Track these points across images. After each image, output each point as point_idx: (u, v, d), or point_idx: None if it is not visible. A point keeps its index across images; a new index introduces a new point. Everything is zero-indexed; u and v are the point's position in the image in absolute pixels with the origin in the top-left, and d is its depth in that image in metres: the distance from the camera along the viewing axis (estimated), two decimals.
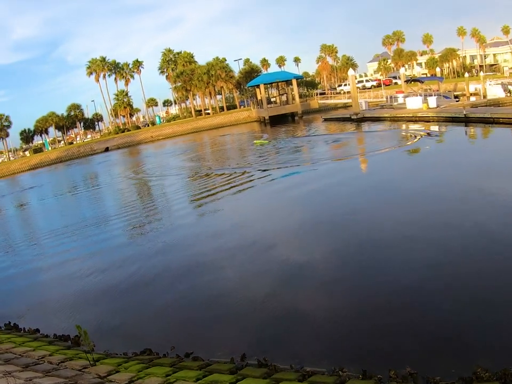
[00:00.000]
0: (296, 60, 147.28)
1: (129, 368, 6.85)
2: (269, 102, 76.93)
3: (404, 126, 36.85)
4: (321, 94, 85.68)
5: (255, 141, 43.74)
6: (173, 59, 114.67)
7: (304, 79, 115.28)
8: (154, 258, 14.16)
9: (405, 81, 59.69)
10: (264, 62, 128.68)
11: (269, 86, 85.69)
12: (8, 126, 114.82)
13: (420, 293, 8.75)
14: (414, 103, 42.38)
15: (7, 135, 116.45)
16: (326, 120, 53.28)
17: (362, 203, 15.97)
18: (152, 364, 7.16)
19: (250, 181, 23.77)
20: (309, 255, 11.98)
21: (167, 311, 10.28)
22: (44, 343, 8.84)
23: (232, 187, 22.85)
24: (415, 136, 29.71)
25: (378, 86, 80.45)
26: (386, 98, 54.37)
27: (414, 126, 35.44)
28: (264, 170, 25.69)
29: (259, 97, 76.09)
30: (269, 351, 7.28)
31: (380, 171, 21.13)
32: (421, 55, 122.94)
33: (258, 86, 75.75)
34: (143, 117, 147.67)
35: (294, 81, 73.64)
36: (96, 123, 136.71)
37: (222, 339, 8.41)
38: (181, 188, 26.74)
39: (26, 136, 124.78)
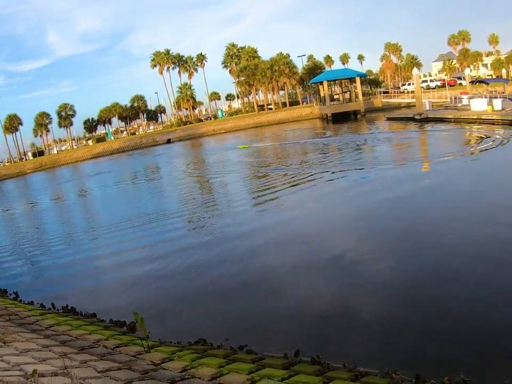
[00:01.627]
0: (360, 58, 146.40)
1: (183, 357, 6.91)
2: (332, 99, 76.59)
3: (468, 128, 36.04)
4: (384, 92, 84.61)
5: (238, 146, 44.44)
6: (236, 54, 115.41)
7: (368, 77, 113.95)
8: (212, 251, 14.33)
9: (470, 82, 58.49)
10: (328, 59, 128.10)
11: (332, 83, 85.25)
12: (72, 115, 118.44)
13: (482, 304, 8.53)
14: (478, 105, 41.37)
15: (71, 124, 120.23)
16: (389, 119, 52.73)
17: (435, 219, 14.00)
18: (205, 354, 7.22)
19: (310, 180, 23.33)
20: (370, 260, 11.89)
21: (224, 303, 10.38)
22: (100, 328, 9.06)
23: (291, 186, 22.65)
24: (482, 139, 28.89)
25: (443, 86, 78.87)
26: (451, 99, 53.26)
27: (478, 129, 34.66)
28: (324, 172, 24.76)
29: (322, 94, 75.71)
30: (323, 349, 7.21)
31: (448, 180, 19.26)
32: (487, 56, 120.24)
33: (321, 82, 75.48)
34: (206, 110, 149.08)
35: (358, 79, 72.99)
36: (159, 115, 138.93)
37: (276, 334, 8.46)
38: (240, 184, 26.78)
39: (90, 126, 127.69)
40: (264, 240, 14.54)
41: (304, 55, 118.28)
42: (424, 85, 76.08)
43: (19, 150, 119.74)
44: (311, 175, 24.59)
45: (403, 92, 79.54)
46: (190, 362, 6.53)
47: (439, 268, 10.22)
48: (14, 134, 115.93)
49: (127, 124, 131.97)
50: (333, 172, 24.33)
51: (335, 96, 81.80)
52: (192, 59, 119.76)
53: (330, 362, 6.48)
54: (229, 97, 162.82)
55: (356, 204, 17.53)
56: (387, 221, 14.54)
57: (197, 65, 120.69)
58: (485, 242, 11.43)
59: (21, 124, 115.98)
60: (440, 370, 6.26)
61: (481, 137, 29.77)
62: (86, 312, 10.54)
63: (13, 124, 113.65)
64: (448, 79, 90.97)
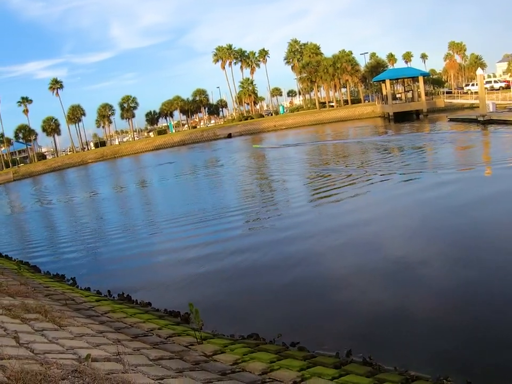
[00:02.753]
0: (423, 57, 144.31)
1: (235, 350, 6.97)
2: (394, 98, 75.96)
3: None
4: (447, 93, 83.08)
5: (253, 145, 44.08)
6: (299, 50, 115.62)
7: (431, 76, 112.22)
8: (270, 248, 14.39)
9: None
10: (391, 57, 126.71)
11: (394, 81, 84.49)
12: (135, 107, 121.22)
13: None
14: None
15: (133, 115, 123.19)
16: (451, 120, 52.03)
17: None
18: (257, 348, 7.25)
19: (369, 182, 22.60)
20: (430, 263, 11.76)
21: (278, 299, 10.42)
22: (154, 317, 9.19)
23: (350, 187, 22.15)
24: None
25: (507, 87, 77.11)
26: None
27: None
28: (383, 175, 23.77)
29: (384, 93, 75.04)
30: (375, 350, 7.14)
31: None
32: None
33: (384, 81, 74.70)
34: (267, 105, 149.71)
35: (421, 78, 71.99)
36: (220, 109, 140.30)
37: (329, 333, 8.42)
38: (299, 183, 26.58)
39: (152, 118, 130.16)
40: (322, 242, 14.40)
41: (367, 52, 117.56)
42: (488, 86, 74.65)
43: (81, 140, 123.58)
44: (370, 176, 23.97)
45: (466, 93, 78.15)
46: (242, 356, 6.62)
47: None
48: (77, 125, 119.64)
49: (189, 117, 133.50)
50: (401, 173, 23.39)
51: (397, 95, 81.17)
52: (254, 54, 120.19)
53: (382, 364, 6.47)
54: (291, 93, 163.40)
55: (418, 209, 16.95)
56: (449, 229, 14.06)
57: (259, 61, 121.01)
58: None
59: (84, 114, 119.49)
60: (493, 379, 6.24)
61: None
62: (141, 301, 10.74)
63: (76, 114, 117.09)
64: None
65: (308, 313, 9.50)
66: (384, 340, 7.96)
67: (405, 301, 9.43)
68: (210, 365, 6.06)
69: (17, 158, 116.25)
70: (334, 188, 22.35)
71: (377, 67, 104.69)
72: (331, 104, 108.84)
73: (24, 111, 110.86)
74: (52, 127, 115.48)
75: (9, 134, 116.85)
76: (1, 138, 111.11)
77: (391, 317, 8.77)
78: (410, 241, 13.46)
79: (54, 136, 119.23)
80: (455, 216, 15.05)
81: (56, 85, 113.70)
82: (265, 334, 8.15)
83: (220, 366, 6.03)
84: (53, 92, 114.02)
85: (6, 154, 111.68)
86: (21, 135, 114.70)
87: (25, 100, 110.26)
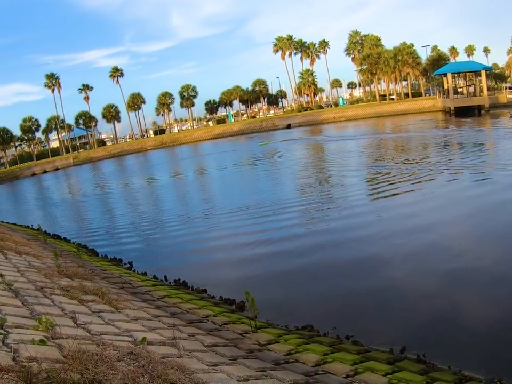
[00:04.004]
0: (486, 50, 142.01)
1: (289, 341, 6.99)
2: (456, 92, 74.47)
3: None
4: (510, 88, 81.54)
5: (260, 143, 43.92)
6: (359, 41, 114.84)
7: (493, 71, 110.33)
8: (327, 245, 14.28)
9: None
10: (453, 50, 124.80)
11: (456, 75, 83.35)
12: (194, 96, 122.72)
13: None
14: None
15: (193, 104, 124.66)
16: None
17: None
18: (311, 340, 7.24)
19: (429, 179, 21.67)
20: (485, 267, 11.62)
21: (334, 292, 10.46)
22: (210, 304, 9.23)
23: (403, 186, 21.27)
24: None
25: None
26: None
27: None
28: (441, 173, 22.41)
29: (445, 87, 73.65)
30: (429, 348, 7.09)
31: None
32: None
33: (445, 74, 73.39)
34: (327, 97, 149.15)
35: (483, 73, 70.41)
36: (280, 99, 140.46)
37: (384, 328, 8.43)
38: (356, 179, 25.79)
39: (211, 107, 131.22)
40: (381, 243, 14.03)
41: (428, 45, 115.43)
42: None
43: (141, 127, 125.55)
44: (430, 173, 23.00)
45: None
46: (295, 347, 6.64)
47: None
48: (136, 112, 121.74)
49: (248, 107, 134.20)
50: (469, 172, 21.92)
51: (459, 90, 79.90)
52: (314, 45, 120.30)
53: (436, 363, 6.43)
54: (351, 85, 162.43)
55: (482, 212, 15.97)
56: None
57: (319, 52, 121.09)
58: None
59: (143, 102, 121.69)
60: None
61: None
62: (197, 287, 10.86)
63: (136, 102, 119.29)
64: None
65: (364, 307, 9.53)
66: (440, 338, 7.86)
67: (463, 302, 9.36)
68: (264, 354, 6.14)
69: (77, 144, 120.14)
70: (395, 187, 21.60)
71: (438, 60, 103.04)
72: (391, 96, 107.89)
73: (84, 98, 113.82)
74: (111, 114, 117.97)
75: (70, 120, 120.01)
76: (62, 124, 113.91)
77: (447, 316, 8.70)
78: (475, 243, 13.08)
79: (113, 123, 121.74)
80: None
81: (116, 73, 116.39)
82: (319, 326, 8.16)
83: (273, 356, 6.10)
84: (113, 80, 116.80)
85: (66, 140, 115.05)
86: (81, 121, 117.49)
87: (86, 87, 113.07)
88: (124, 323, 5.88)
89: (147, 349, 4.61)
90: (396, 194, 19.83)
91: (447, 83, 72.33)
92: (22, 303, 5.58)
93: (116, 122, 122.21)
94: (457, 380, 5.85)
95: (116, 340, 4.82)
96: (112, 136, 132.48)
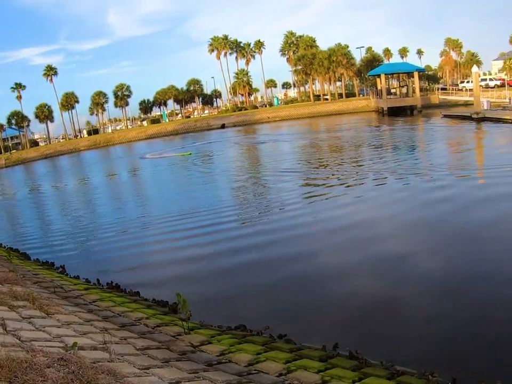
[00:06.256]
0: (419, 52, 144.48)
1: (222, 341, 7.01)
2: (389, 93, 75.82)
3: None
4: (442, 89, 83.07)
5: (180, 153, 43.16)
6: (294, 42, 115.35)
7: (426, 72, 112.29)
8: (258, 245, 14.33)
9: None
10: (387, 52, 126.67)
11: (390, 76, 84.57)
12: (129, 96, 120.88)
13: None
14: None
15: (127, 104, 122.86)
16: (445, 116, 52.05)
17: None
18: (244, 340, 7.27)
19: (359, 184, 21.70)
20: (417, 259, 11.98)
21: (266, 292, 10.49)
22: (142, 306, 9.20)
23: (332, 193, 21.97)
24: None
25: (502, 85, 76.87)
26: (510, 99, 52.07)
27: None
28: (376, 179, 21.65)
29: (379, 87, 74.96)
30: (362, 345, 7.10)
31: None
32: None
33: (379, 75, 74.78)
34: (261, 97, 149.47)
35: (416, 74, 71.91)
36: (214, 99, 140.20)
37: (317, 326, 8.50)
38: (290, 186, 24.86)
39: (145, 107, 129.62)
40: (311, 237, 14.48)
41: (363, 46, 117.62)
42: (483, 83, 74.60)
43: (74, 127, 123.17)
44: (362, 177, 22.70)
45: (461, 90, 78.05)
46: (228, 347, 6.66)
47: None
48: (70, 112, 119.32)
49: (182, 106, 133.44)
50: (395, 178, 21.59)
51: (392, 90, 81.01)
52: (249, 45, 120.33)
53: (368, 358, 6.44)
54: (286, 85, 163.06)
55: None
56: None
57: (255, 52, 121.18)
58: None
59: (77, 102, 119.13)
60: (478, 375, 6.21)
61: None
62: (129, 290, 10.77)
63: (69, 101, 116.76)
64: (508, 79, 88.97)
65: (296, 306, 9.53)
66: (372, 334, 8.01)
67: (393, 296, 9.49)
68: (197, 355, 6.13)
69: (10, 145, 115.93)
70: (327, 191, 22.15)
71: (372, 61, 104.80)
72: (325, 97, 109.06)
73: (17, 97, 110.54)
74: (45, 114, 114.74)
75: (2, 120, 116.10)
76: None
77: (379, 312, 8.82)
78: (394, 236, 13.67)
79: (47, 123, 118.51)
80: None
81: (50, 71, 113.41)
82: (252, 326, 8.15)
83: (206, 357, 6.08)
84: (47, 79, 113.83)
85: None
86: (13, 121, 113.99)
87: (18, 86, 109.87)
88: (55, 328, 5.83)
89: (78, 354, 4.58)
90: (327, 198, 19.70)
91: (381, 84, 73.43)
92: None
93: (49, 122, 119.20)
94: (390, 375, 5.92)
95: (47, 346, 4.77)
96: (45, 136, 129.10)
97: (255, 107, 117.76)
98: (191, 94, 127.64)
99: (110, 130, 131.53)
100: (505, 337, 7.43)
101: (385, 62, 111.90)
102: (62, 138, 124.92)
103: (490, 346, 7.24)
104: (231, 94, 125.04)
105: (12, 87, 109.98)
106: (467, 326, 8.01)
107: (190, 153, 41.00)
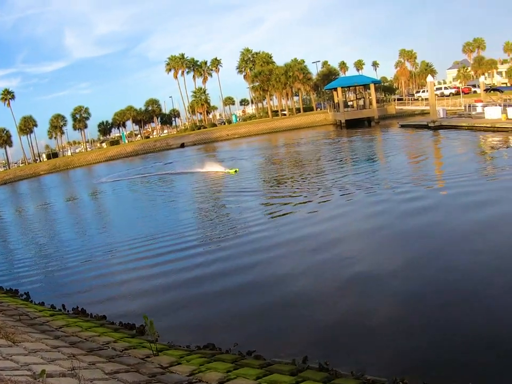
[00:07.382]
0: (375, 64, 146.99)
1: (191, 361, 6.97)
2: (346, 105, 76.67)
3: (481, 137, 35.62)
4: (398, 99, 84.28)
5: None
6: (251, 59, 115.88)
7: (382, 84, 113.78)
8: (224, 261, 14.47)
9: (484, 90, 58.38)
10: (343, 65, 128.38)
11: (346, 89, 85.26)
12: (87, 118, 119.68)
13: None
14: (492, 113, 40.91)
15: (86, 126, 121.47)
16: (402, 126, 52.86)
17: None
18: (214, 358, 7.25)
19: (323, 202, 22.13)
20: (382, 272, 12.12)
21: (235, 310, 10.46)
22: (110, 330, 9.12)
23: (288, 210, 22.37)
24: (496, 149, 28.55)
25: (457, 94, 78.58)
26: (465, 107, 52.78)
27: (492, 137, 34.41)
28: (342, 195, 21.22)
29: (336, 100, 75.66)
30: (332, 356, 7.24)
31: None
32: (502, 64, 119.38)
33: (335, 89, 75.40)
34: (220, 114, 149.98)
35: (372, 86, 72.95)
36: (173, 119, 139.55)
37: (286, 341, 8.47)
38: (253, 205, 25.64)
39: (104, 128, 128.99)
40: (274, 258, 14.30)
41: (319, 61, 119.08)
42: (438, 92, 76.01)
43: (33, 151, 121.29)
44: (328, 193, 22.58)
45: (417, 99, 79.19)
46: (198, 367, 6.62)
47: None
48: (28, 136, 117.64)
49: (141, 127, 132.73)
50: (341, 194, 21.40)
51: (349, 103, 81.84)
52: (206, 64, 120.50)
53: (338, 369, 6.49)
54: (243, 102, 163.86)
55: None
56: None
57: (212, 70, 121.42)
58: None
59: (35, 125, 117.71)
60: (447, 380, 6.36)
61: (495, 147, 29.67)
62: (96, 314, 10.67)
63: (28, 125, 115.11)
64: (463, 87, 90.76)
65: (264, 322, 9.57)
66: (341, 345, 8.07)
67: (361, 306, 9.58)
68: (167, 376, 6.09)
69: None
70: (290, 210, 22.34)
71: (329, 75, 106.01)
72: (283, 112, 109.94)
73: None
74: (3, 139, 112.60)
75: None
76: None
77: (347, 322, 8.89)
78: (370, 256, 13.80)
79: (5, 147, 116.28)
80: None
81: (7, 95, 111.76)
82: (221, 344, 8.16)
83: (176, 378, 6.05)
84: (4, 103, 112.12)
85: None
86: None
87: None
88: (22, 357, 5.74)
89: (47, 382, 4.58)
90: (294, 216, 19.61)
91: (337, 97, 74.07)
92: None
93: (7, 147, 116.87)
94: None
95: (14, 375, 4.69)
96: (4, 161, 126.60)
97: (214, 125, 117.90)
98: (149, 114, 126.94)
99: (69, 153, 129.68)
100: (475, 343, 7.51)
101: (341, 75, 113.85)
102: (22, 163, 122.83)
103: (460, 352, 7.31)
104: (189, 112, 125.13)
105: None
106: (435, 335, 7.99)
107: (236, 171, 36.69)
